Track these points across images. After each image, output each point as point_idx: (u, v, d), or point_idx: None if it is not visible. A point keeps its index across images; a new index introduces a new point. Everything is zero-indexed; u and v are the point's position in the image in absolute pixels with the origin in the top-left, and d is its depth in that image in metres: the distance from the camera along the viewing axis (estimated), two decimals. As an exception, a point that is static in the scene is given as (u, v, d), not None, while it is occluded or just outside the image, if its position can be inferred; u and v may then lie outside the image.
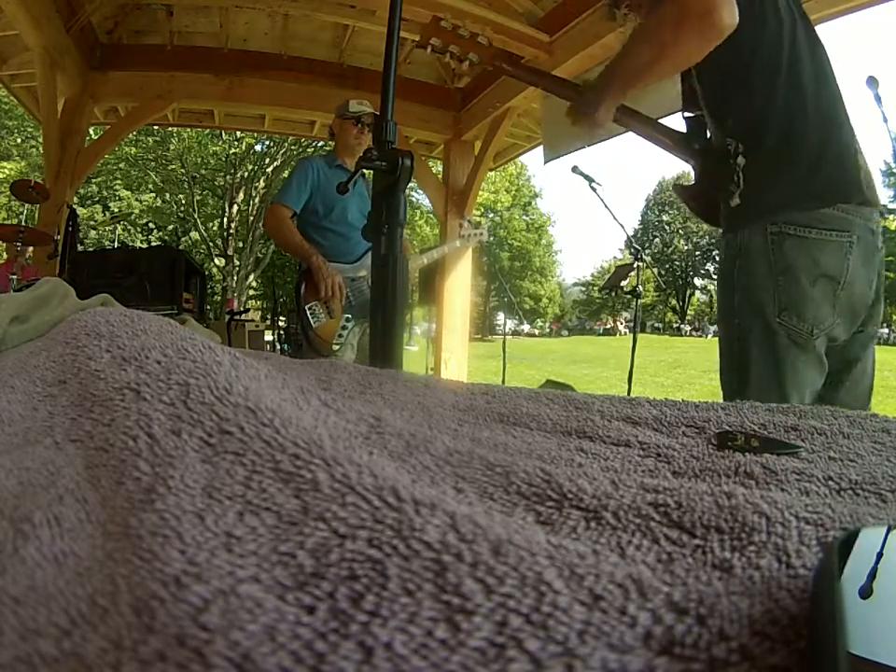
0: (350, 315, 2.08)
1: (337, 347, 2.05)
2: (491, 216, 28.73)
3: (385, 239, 1.16)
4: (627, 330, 25.19)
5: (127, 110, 4.22)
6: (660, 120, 1.23)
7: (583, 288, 37.49)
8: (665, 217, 35.42)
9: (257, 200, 14.81)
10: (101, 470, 0.29)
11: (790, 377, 1.00)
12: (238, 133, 12.45)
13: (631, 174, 75.35)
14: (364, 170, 1.27)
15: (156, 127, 9.91)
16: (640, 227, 36.07)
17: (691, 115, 1.20)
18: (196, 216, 15.17)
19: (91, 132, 4.63)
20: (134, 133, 9.22)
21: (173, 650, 0.16)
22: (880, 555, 0.18)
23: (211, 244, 15.64)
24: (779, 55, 1.02)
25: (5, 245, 3.45)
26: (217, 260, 15.72)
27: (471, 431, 0.49)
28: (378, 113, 1.15)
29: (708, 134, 1.17)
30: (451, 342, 4.44)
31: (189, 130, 12.07)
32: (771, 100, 1.02)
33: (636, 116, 1.19)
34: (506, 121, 3.97)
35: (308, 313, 2.02)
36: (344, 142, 2.17)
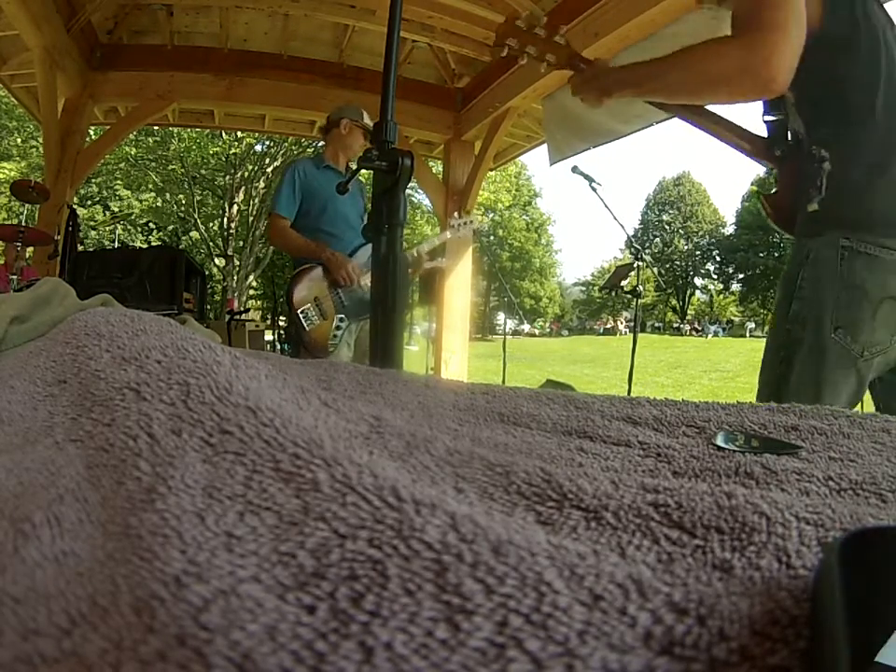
0: (344, 316, 2.08)
1: (332, 349, 2.06)
2: (491, 216, 28.71)
3: (385, 239, 1.16)
4: (627, 330, 25.16)
5: (127, 110, 4.22)
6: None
7: (583, 288, 37.50)
8: (665, 217, 35.43)
9: (257, 200, 14.76)
10: (101, 470, 0.29)
11: (827, 394, 0.98)
12: (238, 132, 12.41)
13: (631, 174, 75.41)
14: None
15: (156, 127, 9.91)
16: (640, 227, 36.10)
17: (772, 118, 1.13)
18: (196, 216, 15.12)
19: (91, 132, 4.63)
20: (134, 133, 9.21)
21: (173, 650, 0.16)
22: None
23: (211, 244, 15.60)
24: (878, 64, 0.96)
25: (4, 245, 3.44)
26: (217, 260, 15.68)
27: (472, 431, 0.49)
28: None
29: (789, 136, 1.12)
30: (451, 341, 4.44)
31: (189, 130, 12.06)
32: (871, 113, 0.97)
33: (711, 115, 1.14)
34: (506, 121, 3.97)
35: (301, 317, 2.03)
36: (348, 144, 2.20)
